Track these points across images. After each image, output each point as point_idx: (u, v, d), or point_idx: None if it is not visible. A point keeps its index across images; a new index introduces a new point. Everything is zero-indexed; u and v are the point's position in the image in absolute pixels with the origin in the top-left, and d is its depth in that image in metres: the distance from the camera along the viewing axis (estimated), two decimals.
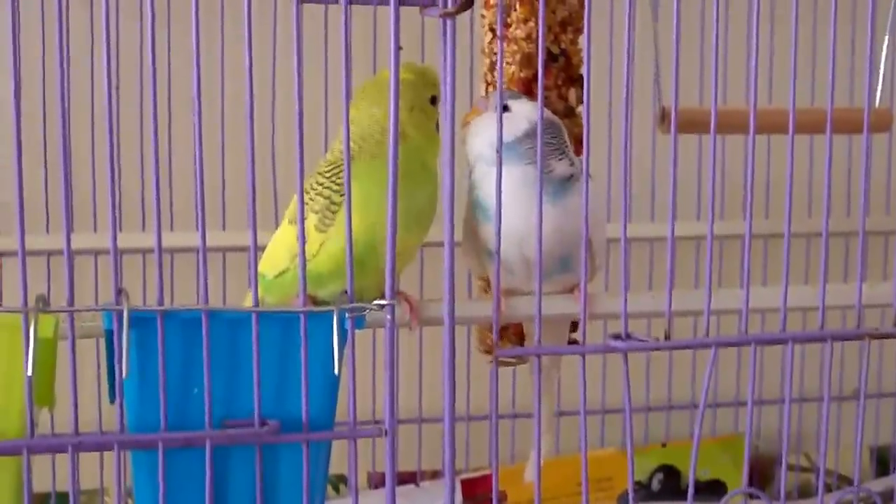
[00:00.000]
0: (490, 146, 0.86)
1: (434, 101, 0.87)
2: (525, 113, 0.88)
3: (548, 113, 0.90)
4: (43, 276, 1.15)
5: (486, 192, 0.86)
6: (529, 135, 0.86)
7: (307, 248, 0.82)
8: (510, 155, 0.85)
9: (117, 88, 1.18)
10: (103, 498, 1.28)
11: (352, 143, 0.84)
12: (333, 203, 0.83)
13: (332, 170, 0.85)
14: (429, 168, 0.86)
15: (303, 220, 0.75)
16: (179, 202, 1.21)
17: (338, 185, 0.83)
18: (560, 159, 0.87)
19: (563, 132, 0.89)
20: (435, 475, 1.35)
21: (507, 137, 0.86)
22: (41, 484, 1.18)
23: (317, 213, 0.84)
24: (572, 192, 0.86)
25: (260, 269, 0.88)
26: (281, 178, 1.23)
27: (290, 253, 0.85)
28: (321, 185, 0.85)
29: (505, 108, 0.87)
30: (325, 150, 1.22)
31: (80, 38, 1.08)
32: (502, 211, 0.79)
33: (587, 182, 0.79)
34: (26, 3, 1.13)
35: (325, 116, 1.22)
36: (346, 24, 0.73)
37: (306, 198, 0.85)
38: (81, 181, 1.19)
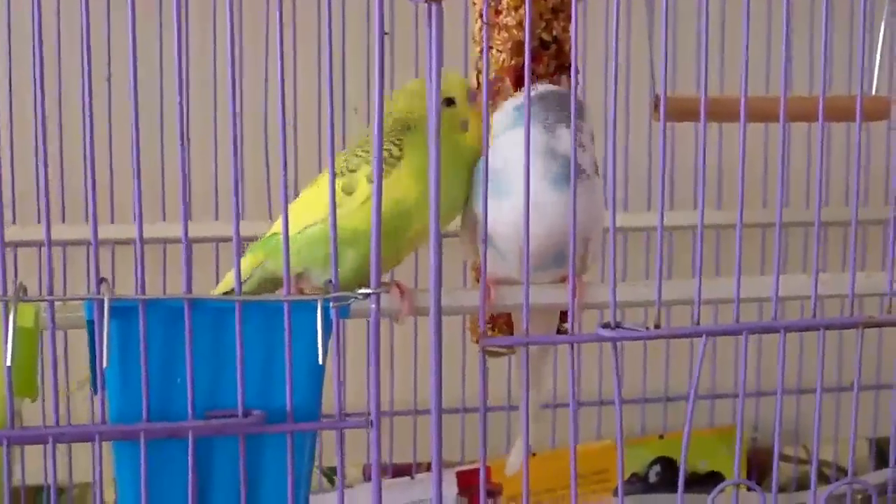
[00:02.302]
0: (513, 110, 0.86)
1: (449, 102, 0.87)
2: (541, 85, 0.88)
3: (562, 89, 0.90)
4: (35, 266, 1.15)
5: (499, 157, 0.83)
6: (542, 99, 0.85)
7: (353, 200, 0.83)
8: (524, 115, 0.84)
9: (108, 79, 1.19)
10: (96, 490, 1.28)
11: (410, 116, 0.86)
12: (392, 156, 0.83)
13: (392, 132, 0.85)
14: (462, 164, 0.86)
15: (286, 201, 0.74)
16: (170, 193, 1.21)
17: (397, 144, 0.84)
18: (570, 132, 0.85)
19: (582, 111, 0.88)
20: (430, 467, 1.34)
21: (522, 101, 0.85)
22: (34, 476, 1.18)
23: (371, 164, 0.83)
24: (578, 184, 0.83)
25: (274, 228, 0.87)
26: (274, 168, 1.22)
27: (328, 206, 0.81)
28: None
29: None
30: (318, 137, 1.22)
31: (71, 27, 1.07)
32: (508, 189, 0.81)
33: (575, 166, 0.78)
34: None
35: (318, 105, 1.21)
36: (329, 9, 0.73)
37: (359, 151, 0.85)
38: (74, 172, 1.18)
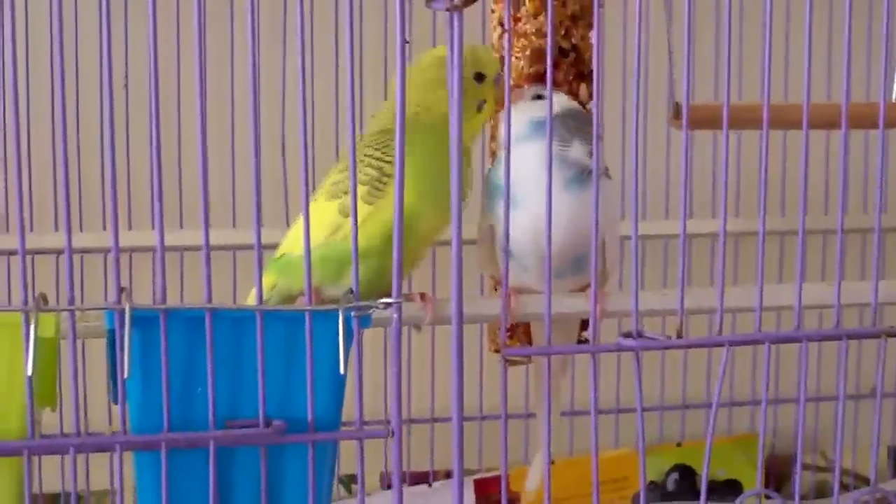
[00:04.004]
0: (528, 123, 0.86)
1: (479, 77, 0.87)
2: (558, 100, 0.87)
3: (577, 105, 0.91)
4: (52, 274, 1.15)
5: (512, 175, 0.80)
6: (559, 117, 0.85)
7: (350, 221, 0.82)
8: (540, 132, 0.84)
9: (125, 86, 1.19)
10: (114, 499, 1.28)
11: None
12: (385, 174, 0.83)
13: (382, 141, 0.84)
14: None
15: (307, 207, 0.74)
16: (189, 199, 1.21)
17: (390, 155, 0.83)
18: (583, 144, 0.86)
19: (591, 126, 0.88)
20: (448, 475, 1.33)
21: (539, 116, 0.86)
22: (51, 485, 1.18)
23: (365, 184, 0.83)
24: (590, 186, 0.83)
25: (282, 249, 0.87)
26: (292, 175, 1.22)
27: (326, 230, 0.84)
28: (369, 156, 0.84)
29: (540, 97, 0.89)
30: (336, 145, 1.22)
31: (88, 34, 1.07)
32: (523, 197, 0.81)
33: (597, 176, 0.78)
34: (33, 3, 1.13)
35: (336, 111, 1.21)
36: (350, 16, 0.72)
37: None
38: (91, 179, 1.18)
